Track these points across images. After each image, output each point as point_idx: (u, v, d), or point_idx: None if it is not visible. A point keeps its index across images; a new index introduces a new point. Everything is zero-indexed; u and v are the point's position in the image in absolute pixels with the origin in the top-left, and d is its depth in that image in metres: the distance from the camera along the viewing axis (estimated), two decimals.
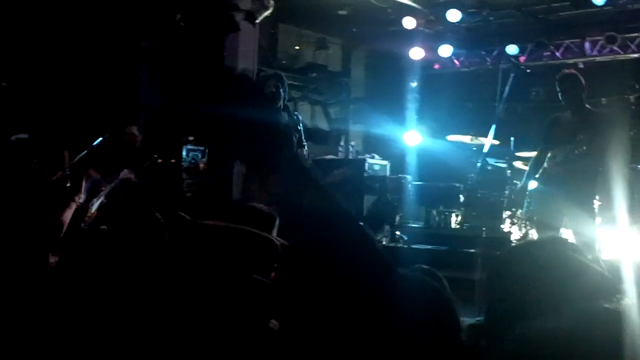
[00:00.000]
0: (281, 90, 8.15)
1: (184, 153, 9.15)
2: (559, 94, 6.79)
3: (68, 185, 4.44)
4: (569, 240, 3.84)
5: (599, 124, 6.69)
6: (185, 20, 8.80)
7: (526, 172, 7.13)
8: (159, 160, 7.69)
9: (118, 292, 2.65)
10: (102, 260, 2.81)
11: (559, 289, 2.33)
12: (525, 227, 8.19)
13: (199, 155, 9.35)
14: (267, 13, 9.28)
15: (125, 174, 5.07)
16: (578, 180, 6.27)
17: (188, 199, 8.68)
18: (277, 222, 4.48)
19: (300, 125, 8.28)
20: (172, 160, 8.80)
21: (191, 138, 9.43)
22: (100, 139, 5.02)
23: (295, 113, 8.75)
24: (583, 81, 6.88)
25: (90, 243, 2.99)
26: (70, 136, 5.46)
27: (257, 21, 9.24)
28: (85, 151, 4.81)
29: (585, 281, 2.49)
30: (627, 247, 7.91)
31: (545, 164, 6.90)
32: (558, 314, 2.00)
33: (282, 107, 8.25)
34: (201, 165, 9.30)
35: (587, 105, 6.95)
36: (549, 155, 6.88)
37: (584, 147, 6.58)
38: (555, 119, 7.02)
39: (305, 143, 8.37)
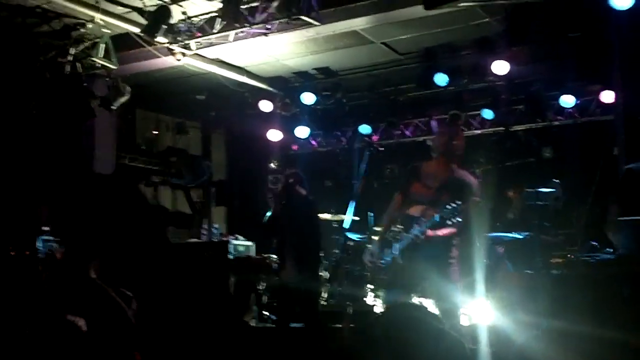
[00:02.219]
0: None
1: (39, 244, 8.88)
2: None
3: None
4: (426, 308, 3.95)
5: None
6: (39, 108, 8.68)
7: (380, 232, 6.71)
8: (12, 253, 7.46)
9: None
10: None
11: (417, 354, 2.49)
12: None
13: (54, 245, 9.11)
14: (123, 99, 9.29)
15: None
16: (436, 245, 6.02)
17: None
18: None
19: None
20: (26, 252, 8.53)
21: (46, 228, 9.19)
22: None
23: None
24: None
25: None
26: None
27: (114, 107, 9.23)
28: None
29: (442, 347, 2.68)
30: (483, 313, 8.28)
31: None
32: None
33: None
34: (58, 255, 9.04)
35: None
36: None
37: None
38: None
39: None
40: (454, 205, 5.67)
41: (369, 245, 6.55)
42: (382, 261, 6.26)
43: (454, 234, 6.06)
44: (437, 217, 5.78)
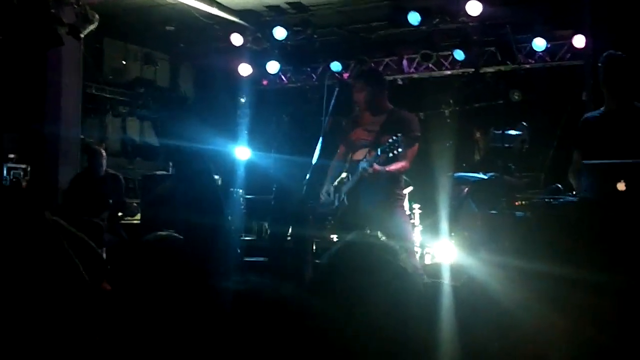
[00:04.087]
0: None
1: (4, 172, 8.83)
2: None
3: None
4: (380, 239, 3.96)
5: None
6: (5, 34, 8.49)
7: (327, 179, 6.72)
8: None
9: None
10: None
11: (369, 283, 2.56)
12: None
13: (21, 173, 9.05)
14: (92, 27, 9.11)
15: None
16: (381, 182, 6.03)
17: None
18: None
19: None
20: None
21: (12, 156, 9.12)
22: None
23: None
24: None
25: None
26: None
27: (82, 35, 9.07)
28: None
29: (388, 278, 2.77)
30: (446, 251, 8.44)
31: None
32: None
33: None
34: (24, 183, 9.00)
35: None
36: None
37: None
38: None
39: None
40: (394, 137, 5.72)
41: (323, 190, 6.58)
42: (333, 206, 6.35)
43: (402, 170, 6.15)
44: (379, 150, 5.82)
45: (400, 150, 5.70)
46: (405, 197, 6.39)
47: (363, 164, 5.94)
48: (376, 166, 5.83)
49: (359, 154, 6.18)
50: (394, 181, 6.18)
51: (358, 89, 6.33)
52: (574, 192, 5.78)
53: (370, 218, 5.82)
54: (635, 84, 5.71)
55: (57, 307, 2.52)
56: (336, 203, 6.34)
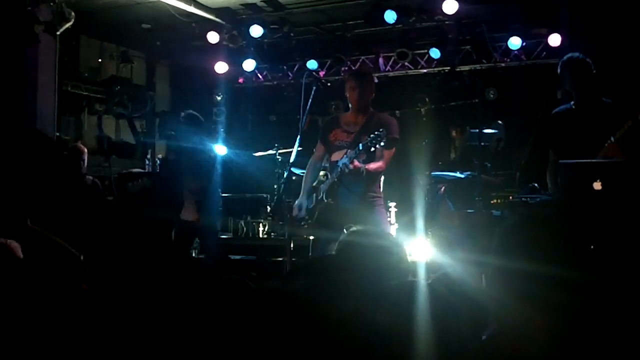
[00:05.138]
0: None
1: None
2: None
3: None
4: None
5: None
6: None
7: (303, 185, 6.77)
8: None
9: None
10: None
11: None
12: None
13: None
14: (67, 25, 9.07)
15: None
16: (360, 181, 6.10)
17: None
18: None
19: None
20: None
21: None
22: None
23: None
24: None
25: None
26: None
27: (58, 33, 9.01)
28: None
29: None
30: (422, 250, 8.47)
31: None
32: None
33: None
34: None
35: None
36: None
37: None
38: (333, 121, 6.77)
39: None
40: (377, 132, 5.77)
41: (296, 202, 6.62)
42: (307, 209, 6.37)
43: (380, 171, 6.19)
44: (360, 146, 5.87)
45: (382, 144, 5.76)
46: (382, 196, 6.42)
47: (343, 160, 5.98)
48: (356, 162, 5.87)
49: (337, 155, 6.23)
50: (372, 180, 6.23)
51: (352, 86, 6.35)
52: (549, 191, 5.86)
53: (349, 216, 5.84)
54: (599, 80, 5.83)
55: (39, 307, 2.52)
56: (313, 202, 6.38)
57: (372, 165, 6.06)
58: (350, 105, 6.45)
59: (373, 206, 6.24)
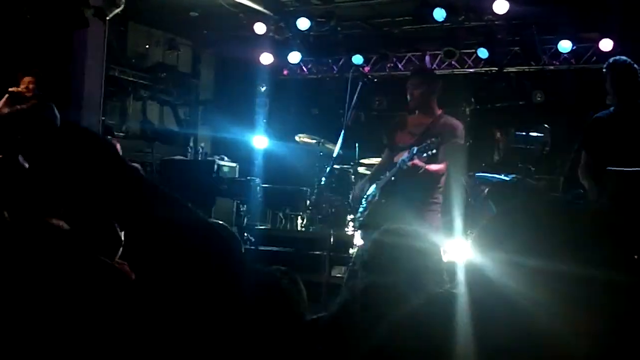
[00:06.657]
0: None
1: None
2: None
3: None
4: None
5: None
6: (33, 12, 8.52)
7: (366, 177, 6.79)
8: None
9: None
10: None
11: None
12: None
13: None
14: (117, 10, 9.13)
15: None
16: (418, 183, 5.94)
17: None
18: None
19: None
20: None
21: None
22: None
23: None
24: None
25: None
26: None
27: (108, 18, 9.09)
28: None
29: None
30: (461, 250, 8.38)
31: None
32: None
33: None
34: None
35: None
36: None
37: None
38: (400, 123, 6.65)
39: None
40: (432, 139, 5.70)
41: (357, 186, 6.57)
42: (363, 200, 6.29)
43: (440, 175, 6.05)
44: (414, 149, 5.78)
45: (433, 152, 5.67)
46: (440, 204, 6.23)
47: (403, 158, 5.89)
48: (416, 160, 5.77)
49: (399, 157, 6.10)
50: (433, 183, 6.07)
51: (414, 85, 6.24)
52: (589, 194, 5.79)
53: (401, 218, 5.76)
54: None
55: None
56: (368, 197, 6.26)
57: (433, 167, 5.92)
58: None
59: (428, 211, 6.05)
